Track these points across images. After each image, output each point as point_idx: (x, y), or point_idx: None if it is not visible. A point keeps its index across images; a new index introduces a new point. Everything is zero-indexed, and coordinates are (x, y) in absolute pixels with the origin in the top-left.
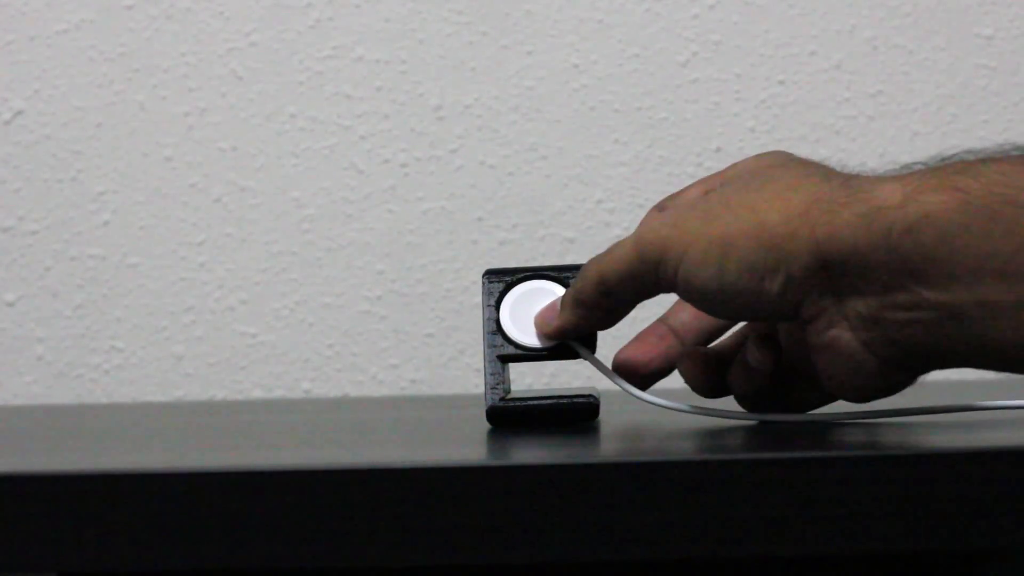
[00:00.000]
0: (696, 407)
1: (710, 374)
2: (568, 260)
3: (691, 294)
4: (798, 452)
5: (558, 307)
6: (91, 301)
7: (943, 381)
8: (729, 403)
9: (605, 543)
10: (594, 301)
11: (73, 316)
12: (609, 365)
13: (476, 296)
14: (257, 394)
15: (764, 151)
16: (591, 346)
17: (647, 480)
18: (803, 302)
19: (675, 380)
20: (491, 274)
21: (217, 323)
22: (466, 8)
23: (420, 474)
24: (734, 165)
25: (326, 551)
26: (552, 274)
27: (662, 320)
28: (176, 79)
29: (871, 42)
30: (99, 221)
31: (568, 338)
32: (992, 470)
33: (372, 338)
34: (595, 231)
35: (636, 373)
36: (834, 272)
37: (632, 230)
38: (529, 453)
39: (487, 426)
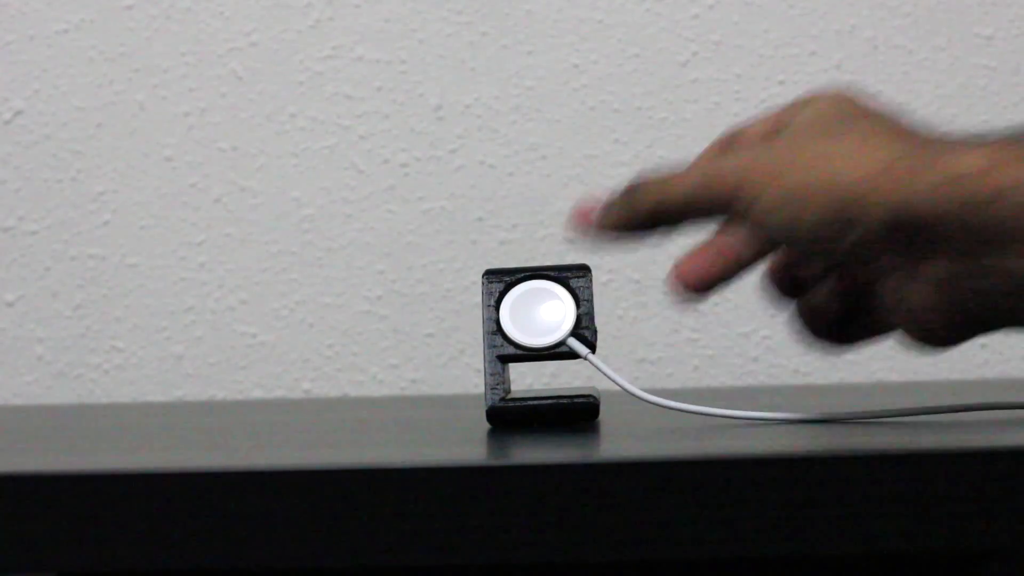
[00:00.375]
0: (696, 407)
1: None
2: (568, 260)
3: (762, 229)
4: (798, 452)
5: (596, 212)
6: (91, 301)
7: (943, 381)
8: (729, 403)
9: (605, 543)
10: (646, 227)
11: (73, 316)
12: (609, 365)
13: (476, 296)
14: (257, 394)
15: (827, 88)
16: (591, 346)
17: (647, 480)
18: (877, 257)
19: (675, 380)
20: (491, 274)
21: (217, 323)
22: (466, 8)
23: (420, 474)
24: (803, 103)
25: (326, 551)
26: (552, 274)
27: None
28: (176, 79)
29: (871, 42)
30: (99, 221)
31: (604, 237)
32: (992, 470)
33: (372, 338)
34: None
35: (697, 281)
36: (910, 235)
37: None
38: (529, 453)
39: (487, 426)
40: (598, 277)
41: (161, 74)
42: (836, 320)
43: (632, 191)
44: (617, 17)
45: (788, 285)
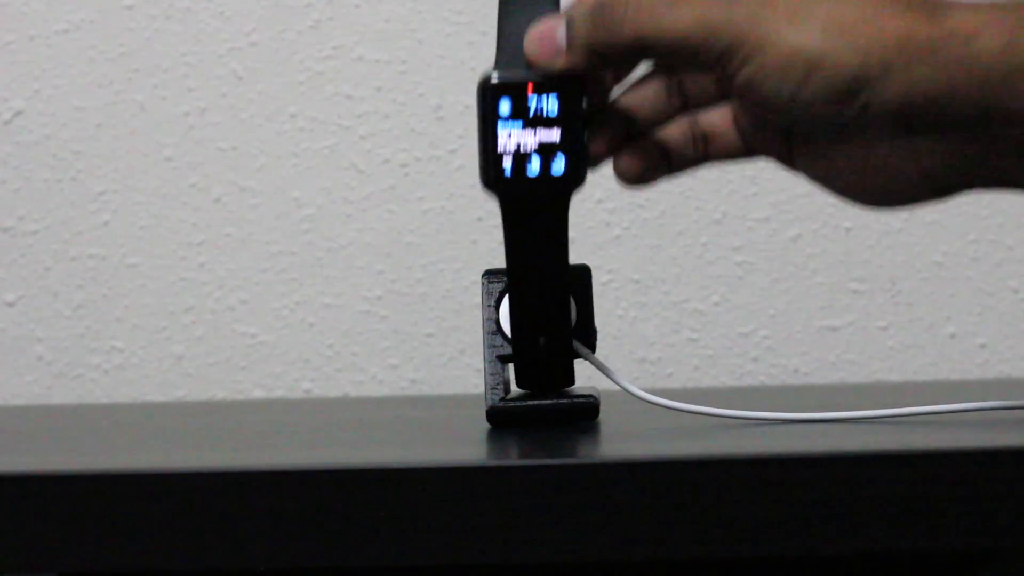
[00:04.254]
0: (696, 407)
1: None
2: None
3: (748, 95)
4: (798, 452)
5: (559, 39)
6: (91, 301)
7: (943, 381)
8: (729, 403)
9: (605, 543)
10: (619, 59)
11: (73, 316)
12: (609, 365)
13: (476, 296)
14: (257, 394)
15: None
16: (591, 346)
17: (647, 480)
18: (870, 130)
19: (675, 380)
20: (491, 274)
21: (217, 323)
22: (466, 8)
23: (420, 474)
24: None
25: (326, 551)
26: None
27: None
28: (176, 79)
29: None
30: (99, 221)
31: (572, 71)
32: (992, 470)
33: (372, 338)
34: (595, 231)
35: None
36: (917, 110)
37: (632, 230)
38: (529, 453)
39: (487, 426)
40: (598, 277)
41: (161, 74)
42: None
43: (608, 10)
44: None
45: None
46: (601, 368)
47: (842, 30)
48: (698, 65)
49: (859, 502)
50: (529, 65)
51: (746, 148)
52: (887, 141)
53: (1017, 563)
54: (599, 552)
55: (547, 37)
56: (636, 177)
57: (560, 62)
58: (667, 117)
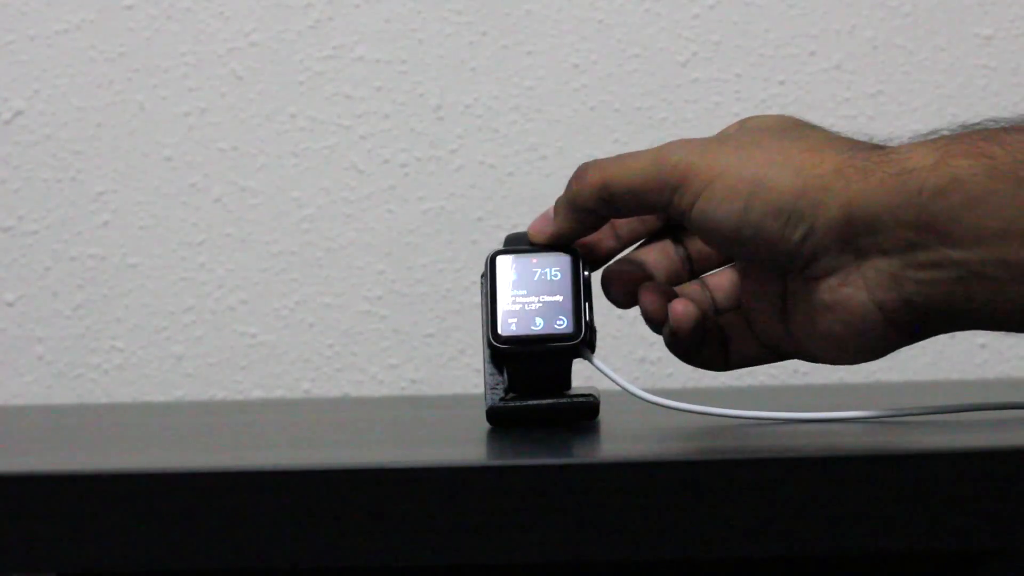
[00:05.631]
0: (696, 407)
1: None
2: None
3: (703, 225)
4: (798, 452)
5: (551, 215)
6: (91, 301)
7: (943, 381)
8: (729, 403)
9: (605, 543)
10: (591, 206)
11: (73, 316)
12: (609, 365)
13: (476, 296)
14: (257, 394)
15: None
16: (591, 346)
17: (647, 480)
18: (820, 256)
19: (675, 380)
20: None
21: (217, 323)
22: (466, 8)
23: (420, 474)
24: (754, 118)
25: (326, 551)
26: None
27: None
28: (176, 79)
29: (871, 42)
30: (99, 221)
31: (563, 243)
32: (992, 470)
33: (372, 338)
34: None
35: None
36: (859, 229)
37: None
38: (529, 453)
39: (487, 426)
40: (598, 277)
41: (161, 74)
42: (717, 336)
43: (576, 176)
44: (617, 17)
45: (667, 298)
46: (601, 368)
47: (785, 160)
48: (655, 203)
49: (859, 502)
50: (530, 242)
51: (747, 307)
52: (841, 273)
53: (1017, 563)
54: (599, 552)
55: (542, 217)
56: (693, 313)
57: (550, 228)
58: (678, 277)
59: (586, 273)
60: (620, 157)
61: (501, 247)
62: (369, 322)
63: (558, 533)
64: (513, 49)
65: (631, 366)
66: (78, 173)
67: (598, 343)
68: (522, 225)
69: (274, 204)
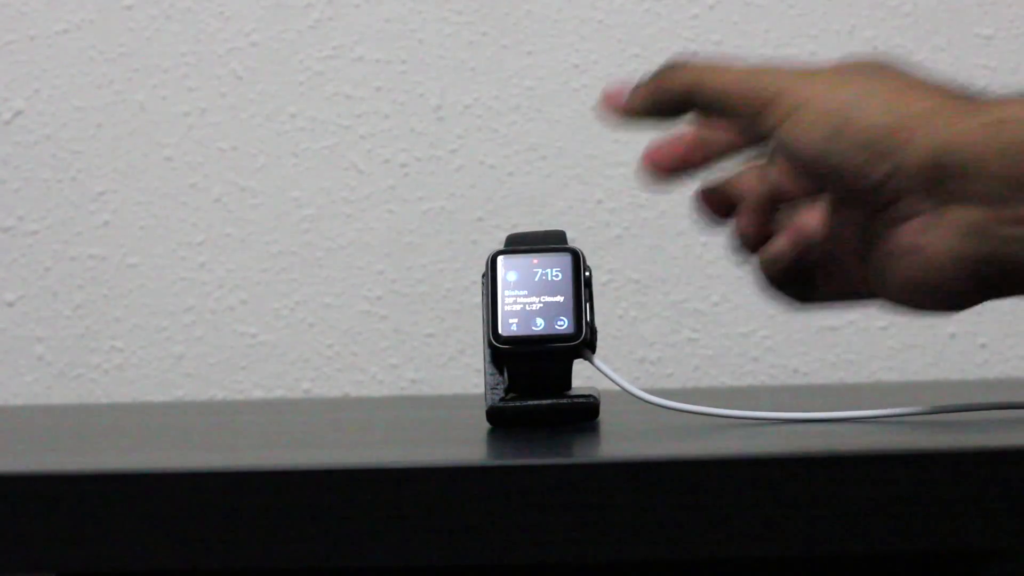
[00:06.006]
0: (696, 407)
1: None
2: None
3: (787, 146)
4: (798, 452)
5: (625, 92)
6: (91, 301)
7: (943, 381)
8: (729, 403)
9: (605, 543)
10: (674, 96)
11: (73, 316)
12: (609, 365)
13: (476, 296)
14: (257, 394)
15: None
16: (592, 347)
17: (647, 480)
18: (903, 196)
19: (675, 380)
20: None
21: (217, 323)
22: (466, 8)
23: (420, 474)
24: (851, 57)
25: (326, 551)
26: None
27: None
28: (176, 79)
29: (871, 42)
30: (99, 221)
31: (627, 120)
32: (992, 470)
33: (372, 338)
34: (595, 231)
35: (667, 164)
36: (947, 175)
37: (632, 230)
38: (529, 453)
39: (487, 426)
40: (598, 277)
41: (161, 74)
42: (805, 270)
43: (667, 68)
44: (617, 17)
45: (762, 222)
46: (601, 368)
47: (878, 96)
48: (742, 112)
49: (859, 502)
50: (599, 112)
51: (831, 245)
52: (924, 217)
53: (1017, 563)
54: (599, 552)
55: (616, 91)
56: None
57: (623, 103)
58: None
59: (587, 273)
60: (712, 62)
61: (502, 247)
62: (369, 322)
63: (558, 533)
64: (513, 49)
65: (631, 366)
66: (78, 173)
67: (598, 343)
68: (522, 225)
69: (274, 204)
